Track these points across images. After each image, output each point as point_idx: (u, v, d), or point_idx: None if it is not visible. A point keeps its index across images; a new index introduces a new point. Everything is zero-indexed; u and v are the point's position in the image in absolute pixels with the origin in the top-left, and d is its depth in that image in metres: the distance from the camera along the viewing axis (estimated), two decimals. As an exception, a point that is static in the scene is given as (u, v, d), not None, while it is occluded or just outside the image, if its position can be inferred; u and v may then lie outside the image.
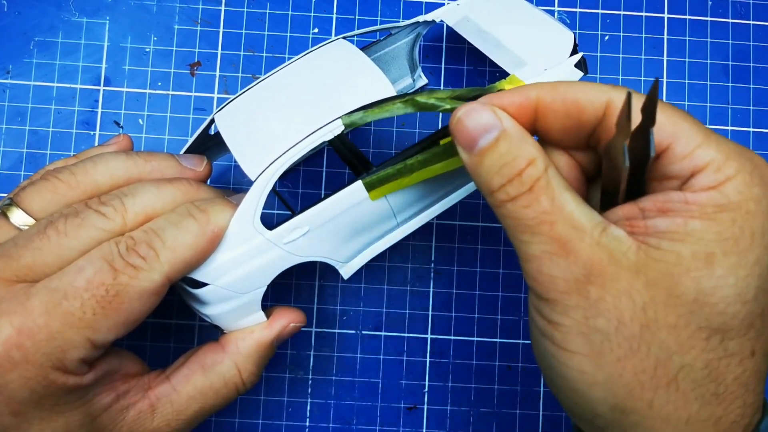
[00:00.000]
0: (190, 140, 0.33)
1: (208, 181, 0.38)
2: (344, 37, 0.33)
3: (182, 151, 0.33)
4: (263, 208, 0.38)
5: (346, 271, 0.31)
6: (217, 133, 0.33)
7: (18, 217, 0.27)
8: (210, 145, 0.35)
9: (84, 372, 0.25)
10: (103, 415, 0.27)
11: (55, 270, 0.25)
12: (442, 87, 0.40)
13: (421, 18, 0.35)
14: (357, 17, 0.41)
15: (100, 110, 0.39)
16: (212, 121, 0.32)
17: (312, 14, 0.40)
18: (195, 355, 0.29)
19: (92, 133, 0.39)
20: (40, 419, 0.25)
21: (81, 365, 0.25)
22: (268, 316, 0.30)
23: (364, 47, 0.35)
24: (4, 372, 0.24)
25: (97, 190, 0.28)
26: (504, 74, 0.32)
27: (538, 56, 0.32)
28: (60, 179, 0.28)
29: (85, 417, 0.26)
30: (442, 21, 0.36)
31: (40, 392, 0.24)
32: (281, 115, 0.29)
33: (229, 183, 0.39)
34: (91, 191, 0.28)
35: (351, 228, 0.30)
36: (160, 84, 0.39)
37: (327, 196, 0.29)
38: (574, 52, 0.32)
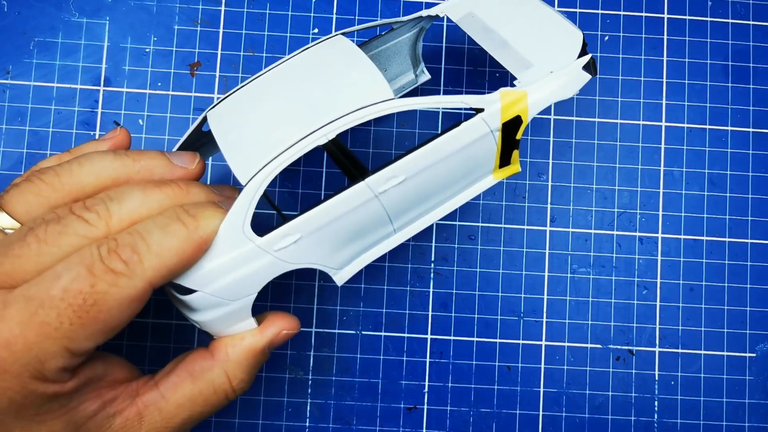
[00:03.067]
0: (183, 137, 0.32)
1: (208, 181, 0.38)
2: (344, 33, 0.32)
3: (175, 148, 0.32)
4: (263, 209, 0.39)
5: (340, 278, 0.30)
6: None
7: (1, 221, 0.26)
8: (204, 141, 0.34)
9: (65, 379, 0.25)
10: (88, 423, 0.26)
11: (34, 278, 0.24)
12: (442, 87, 0.40)
13: (424, 13, 0.34)
14: (357, 17, 0.41)
15: (100, 110, 0.39)
16: (205, 118, 0.31)
17: (312, 14, 0.40)
18: (183, 362, 0.28)
19: (92, 133, 0.39)
20: (21, 428, 0.24)
21: (61, 373, 0.24)
22: (260, 321, 0.29)
23: (365, 42, 0.35)
24: None
25: (82, 192, 0.27)
26: (506, 75, 0.31)
27: (545, 57, 0.31)
28: (44, 181, 0.27)
29: (68, 425, 0.25)
30: (445, 16, 0.34)
31: (20, 401, 0.24)
32: (274, 116, 0.28)
33: (229, 181, 0.39)
34: (75, 193, 0.27)
35: (345, 235, 0.29)
36: (160, 84, 0.39)
37: (319, 202, 0.28)
38: (583, 52, 0.31)
